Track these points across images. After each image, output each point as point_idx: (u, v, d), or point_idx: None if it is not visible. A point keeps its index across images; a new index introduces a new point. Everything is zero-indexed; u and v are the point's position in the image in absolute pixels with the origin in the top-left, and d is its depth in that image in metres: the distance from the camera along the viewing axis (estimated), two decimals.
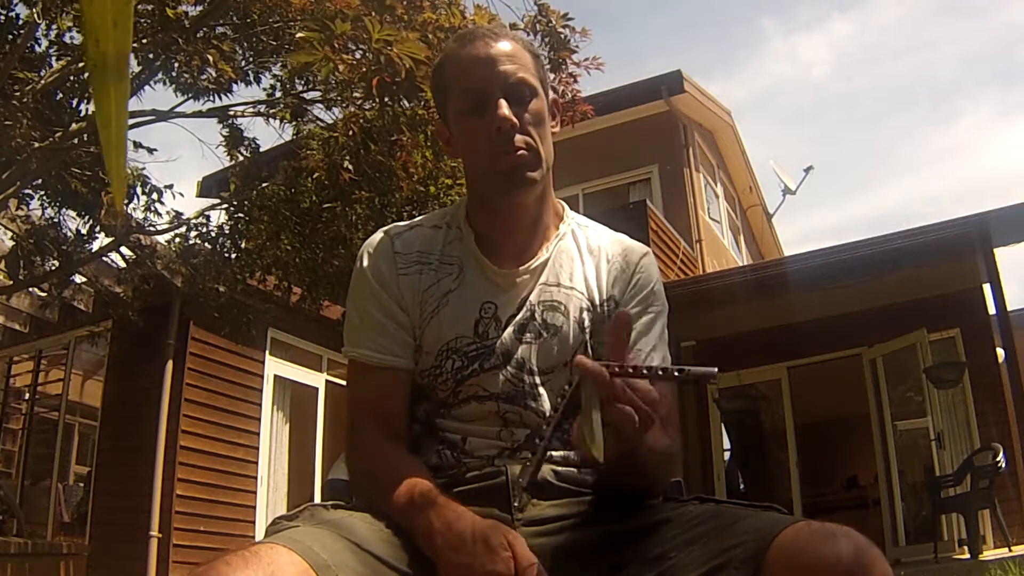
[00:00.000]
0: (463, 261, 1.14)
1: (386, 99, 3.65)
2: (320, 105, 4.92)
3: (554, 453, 1.09)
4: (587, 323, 1.14)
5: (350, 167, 4.40)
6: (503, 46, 1.12)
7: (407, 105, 4.02)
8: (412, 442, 1.13)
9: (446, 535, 0.91)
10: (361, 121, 4.33)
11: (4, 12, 4.31)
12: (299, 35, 3.48)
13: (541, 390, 1.10)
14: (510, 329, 1.11)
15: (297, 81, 4.89)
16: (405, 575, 0.91)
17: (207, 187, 9.26)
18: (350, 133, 4.37)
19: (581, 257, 1.18)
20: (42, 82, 4.22)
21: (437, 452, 1.10)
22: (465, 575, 0.88)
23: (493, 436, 1.09)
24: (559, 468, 1.07)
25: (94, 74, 0.33)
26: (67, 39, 4.51)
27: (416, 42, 3.41)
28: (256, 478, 7.20)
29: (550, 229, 1.19)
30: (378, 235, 1.19)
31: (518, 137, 1.09)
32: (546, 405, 1.10)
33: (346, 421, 1.13)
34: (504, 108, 1.08)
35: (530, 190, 1.12)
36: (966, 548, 6.24)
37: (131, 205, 5.16)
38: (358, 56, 3.67)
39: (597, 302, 1.16)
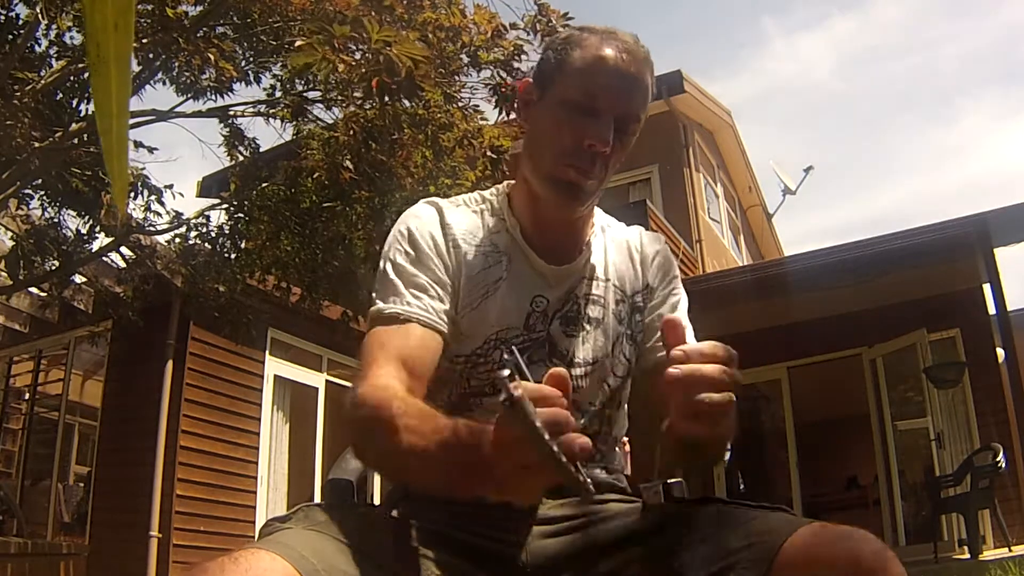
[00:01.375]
0: (510, 252, 1.14)
1: (386, 99, 3.65)
2: (320, 105, 4.92)
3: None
4: (623, 314, 1.16)
5: (350, 166, 4.41)
6: (644, 78, 1.10)
7: (407, 104, 4.02)
8: None
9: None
10: (362, 120, 4.33)
11: (4, 12, 4.30)
12: (298, 43, 3.48)
13: (581, 382, 1.11)
14: (556, 323, 1.12)
15: (297, 81, 4.88)
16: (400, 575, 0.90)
17: (207, 187, 9.27)
18: (351, 132, 4.37)
19: (612, 251, 1.21)
20: (42, 82, 4.21)
21: None
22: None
23: None
24: None
25: (95, 77, 0.33)
26: (67, 39, 4.51)
27: (415, 43, 3.42)
28: (256, 478, 7.20)
29: (588, 228, 1.20)
30: (425, 205, 1.16)
31: (598, 164, 1.08)
32: (582, 398, 1.11)
33: (361, 364, 1.03)
34: (610, 134, 1.06)
35: (573, 208, 1.12)
36: (966, 548, 6.24)
37: (131, 205, 5.16)
38: (358, 56, 3.68)
39: (630, 292, 1.19)
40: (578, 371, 1.11)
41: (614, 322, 1.15)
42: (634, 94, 1.09)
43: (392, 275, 1.09)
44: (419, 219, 1.13)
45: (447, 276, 1.10)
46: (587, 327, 1.13)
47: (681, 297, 1.23)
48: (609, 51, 1.08)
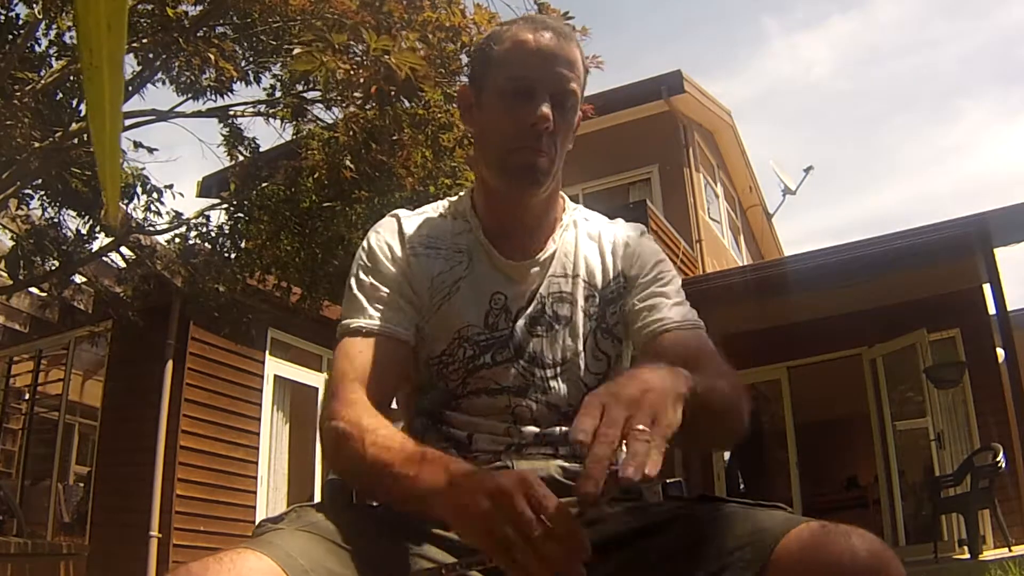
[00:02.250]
0: (472, 251, 1.15)
1: (386, 104, 3.67)
2: (320, 105, 4.92)
3: (561, 449, 1.09)
4: (593, 310, 1.15)
5: (351, 166, 4.41)
6: (568, 51, 1.12)
7: (408, 105, 4.02)
8: (415, 438, 1.12)
9: (451, 474, 0.84)
10: (362, 121, 4.32)
11: (4, 12, 4.30)
12: (296, 51, 3.51)
13: (552, 383, 1.11)
14: (521, 322, 1.12)
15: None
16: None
17: (207, 187, 9.26)
18: (351, 132, 4.37)
19: (584, 245, 1.20)
20: (42, 82, 4.21)
21: (443, 450, 1.09)
22: (470, 503, 0.77)
23: (500, 432, 1.08)
24: (566, 465, 1.07)
25: (88, 80, 0.33)
26: (67, 39, 4.51)
27: (414, 51, 3.44)
28: (256, 478, 7.20)
29: (556, 222, 1.20)
30: (386, 218, 1.20)
31: (546, 140, 1.09)
32: (557, 398, 1.10)
33: (327, 388, 1.08)
34: (547, 107, 1.08)
35: (535, 192, 1.13)
36: (966, 548, 6.24)
37: (131, 205, 5.16)
38: (357, 59, 3.68)
39: (601, 285, 1.17)
40: (548, 372, 1.11)
41: (584, 319, 1.14)
42: (560, 67, 1.10)
43: (355, 290, 1.14)
44: (378, 234, 1.18)
45: (407, 285, 1.13)
46: (555, 326, 1.13)
47: (669, 280, 1.17)
48: (527, 34, 1.12)
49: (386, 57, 3.28)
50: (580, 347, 1.13)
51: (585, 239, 1.21)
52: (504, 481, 0.75)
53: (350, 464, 0.98)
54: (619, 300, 1.17)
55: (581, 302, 1.15)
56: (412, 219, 1.19)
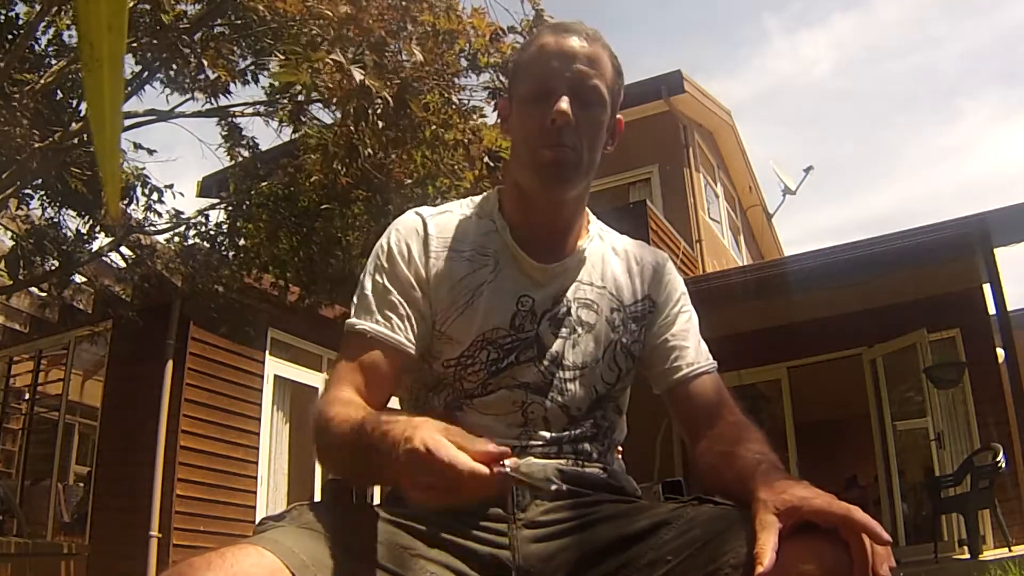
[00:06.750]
0: (499, 254, 1.15)
1: (365, 121, 3.71)
2: (319, 104, 4.91)
3: (565, 448, 1.10)
4: (617, 323, 1.17)
5: (344, 169, 4.41)
6: (590, 49, 1.13)
7: (407, 110, 4.02)
8: None
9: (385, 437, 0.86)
10: (347, 135, 4.32)
11: (4, 12, 4.30)
12: (272, 64, 3.55)
13: (570, 386, 1.12)
14: (546, 323, 1.13)
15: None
16: (393, 573, 0.90)
17: (207, 187, 9.26)
18: (340, 144, 4.38)
19: (611, 259, 1.21)
20: (41, 82, 4.21)
21: None
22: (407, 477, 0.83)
23: (513, 437, 1.08)
24: (564, 467, 1.07)
25: (88, 78, 0.33)
26: (66, 38, 4.51)
27: (380, 80, 3.50)
28: (256, 478, 7.20)
29: (582, 230, 1.22)
30: (410, 215, 1.19)
31: (568, 135, 1.09)
32: (571, 401, 1.11)
33: (331, 376, 1.12)
34: (564, 103, 1.09)
35: (563, 188, 1.13)
36: (966, 548, 6.24)
37: (131, 205, 5.16)
38: (337, 75, 3.71)
39: (627, 302, 1.19)
40: (567, 374, 1.12)
41: (607, 329, 1.15)
42: (579, 64, 1.11)
43: (367, 290, 1.13)
44: (398, 232, 1.16)
45: (420, 292, 1.12)
46: (578, 330, 1.14)
47: (691, 315, 1.23)
48: (548, 38, 1.14)
49: (358, 76, 3.35)
50: (600, 355, 1.14)
51: (611, 253, 1.22)
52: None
53: (322, 447, 1.01)
54: (642, 321, 1.19)
55: (606, 312, 1.16)
56: (436, 218, 1.17)
